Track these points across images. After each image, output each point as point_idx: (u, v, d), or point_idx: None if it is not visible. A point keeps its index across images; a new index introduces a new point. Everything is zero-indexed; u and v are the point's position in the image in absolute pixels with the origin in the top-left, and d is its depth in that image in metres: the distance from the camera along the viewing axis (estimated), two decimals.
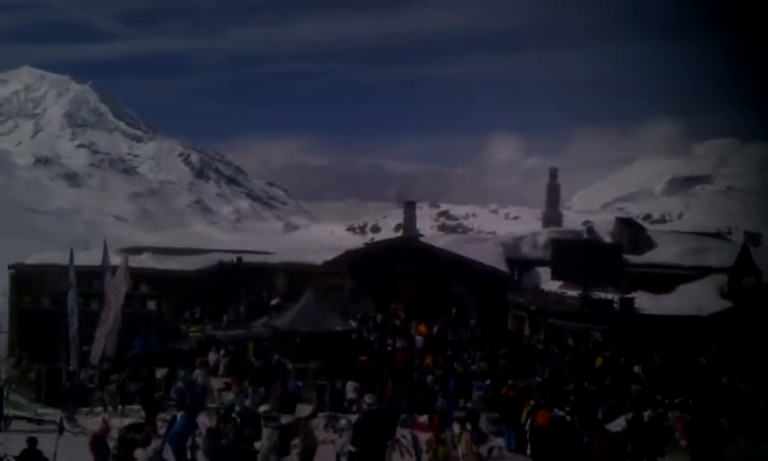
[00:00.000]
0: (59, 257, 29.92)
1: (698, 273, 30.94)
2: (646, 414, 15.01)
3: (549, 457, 11.60)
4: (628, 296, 28.51)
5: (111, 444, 14.34)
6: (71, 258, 24.62)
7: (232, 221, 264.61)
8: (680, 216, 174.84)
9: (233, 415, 16.49)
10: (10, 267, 33.97)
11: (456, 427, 16.14)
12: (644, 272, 31.80)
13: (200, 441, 14.85)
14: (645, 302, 28.28)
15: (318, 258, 36.28)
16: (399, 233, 63.17)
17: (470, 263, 34.04)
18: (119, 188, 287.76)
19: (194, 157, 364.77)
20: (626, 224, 39.46)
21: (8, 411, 19.17)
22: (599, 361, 23.87)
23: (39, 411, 20.30)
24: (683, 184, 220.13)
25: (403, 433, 17.28)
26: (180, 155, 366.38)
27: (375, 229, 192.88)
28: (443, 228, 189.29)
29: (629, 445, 13.34)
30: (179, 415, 15.68)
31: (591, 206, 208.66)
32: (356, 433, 11.85)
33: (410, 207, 51.11)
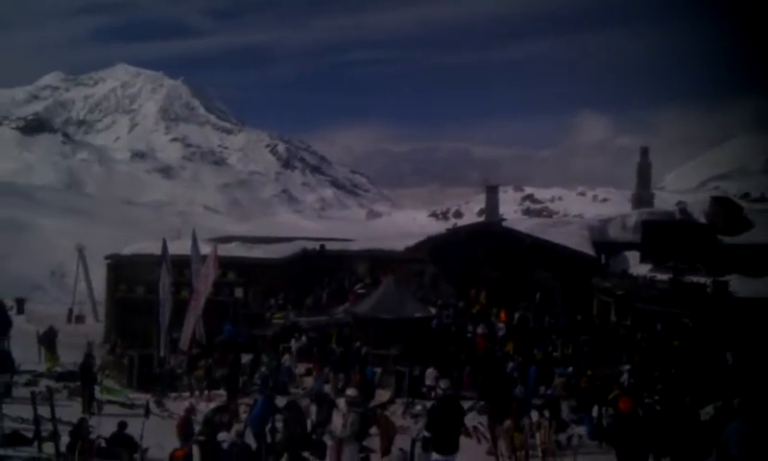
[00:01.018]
0: (152, 247, 31.13)
1: None
2: (736, 402, 14.26)
3: (631, 444, 11.17)
4: (722, 279, 27.15)
5: (197, 427, 14.84)
6: (164, 248, 25.55)
7: (317, 209, 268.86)
8: None
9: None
10: (106, 257, 35.62)
11: (535, 415, 15.86)
12: (740, 253, 30.16)
13: (280, 425, 15.10)
14: (741, 285, 26.83)
15: (400, 245, 36.31)
16: (482, 218, 62.47)
17: (555, 247, 33.29)
18: (210, 180, 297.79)
19: (280, 148, 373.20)
20: (721, 203, 37.58)
21: (101, 395, 20.18)
22: (676, 342, 23.12)
23: (131, 396, 21.24)
24: None
25: (480, 419, 17.16)
26: (267, 146, 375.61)
27: (458, 214, 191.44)
28: (527, 211, 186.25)
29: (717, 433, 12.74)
30: (259, 399, 16.02)
31: (685, 186, 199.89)
32: (431, 419, 11.78)
33: (493, 192, 50.43)
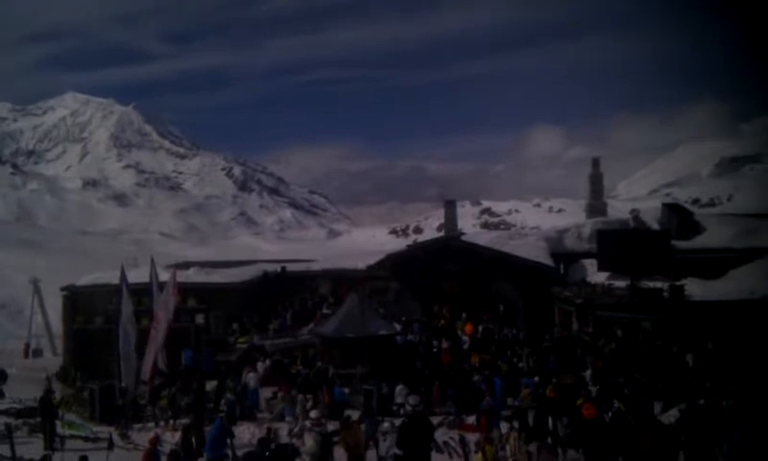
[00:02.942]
0: (109, 277, 30.67)
1: (749, 255, 30.00)
2: (699, 403, 14.57)
3: (597, 451, 11.36)
4: (677, 283, 27.81)
5: (163, 458, 14.55)
6: (122, 276, 25.09)
7: (276, 231, 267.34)
8: (729, 198, 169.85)
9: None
10: (62, 289, 34.82)
11: (504, 427, 15.96)
12: (693, 258, 30.96)
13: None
14: (695, 288, 27.52)
15: (361, 263, 36.33)
16: (442, 234, 62.93)
17: (514, 259, 33.65)
18: (165, 206, 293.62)
19: (236, 171, 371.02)
20: (673, 210, 38.47)
21: (63, 431, 19.64)
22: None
23: (94, 429, 20.73)
24: (731, 166, 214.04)
25: (451, 434, 17.21)
26: (223, 169, 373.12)
27: (418, 230, 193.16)
28: (485, 225, 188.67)
29: (683, 436, 13.01)
30: (214, 424, 15.59)
31: (638, 194, 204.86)
32: (401, 436, 11.76)
33: (450, 206, 50.65)
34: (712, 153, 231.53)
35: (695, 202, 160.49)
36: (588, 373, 22.22)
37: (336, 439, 14.72)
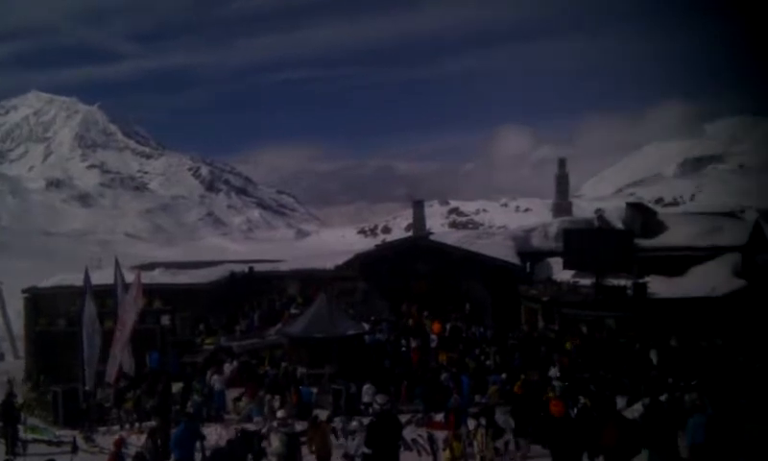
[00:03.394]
0: (72, 279, 30.14)
1: (711, 253, 30.68)
2: (662, 398, 14.86)
3: (564, 446, 11.51)
4: (641, 281, 28.31)
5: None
6: (86, 278, 24.60)
7: (244, 231, 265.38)
8: (692, 198, 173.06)
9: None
10: (23, 291, 34.12)
11: (471, 423, 16.06)
12: (657, 256, 31.57)
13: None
14: (659, 286, 28.07)
15: (329, 263, 36.27)
16: (410, 233, 63.10)
17: (482, 258, 33.89)
18: (131, 206, 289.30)
19: (204, 171, 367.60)
20: (637, 209, 39.12)
21: (25, 435, 19.24)
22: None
23: (58, 433, 20.37)
24: (694, 165, 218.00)
25: (419, 432, 17.29)
26: (190, 169, 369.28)
27: (386, 230, 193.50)
28: (453, 224, 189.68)
29: (646, 430, 13.23)
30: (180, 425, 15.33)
31: (603, 193, 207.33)
32: (369, 435, 11.78)
33: (419, 206, 50.90)
34: (677, 153, 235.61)
35: (659, 201, 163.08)
36: (555, 370, 22.52)
37: (303, 439, 14.68)
